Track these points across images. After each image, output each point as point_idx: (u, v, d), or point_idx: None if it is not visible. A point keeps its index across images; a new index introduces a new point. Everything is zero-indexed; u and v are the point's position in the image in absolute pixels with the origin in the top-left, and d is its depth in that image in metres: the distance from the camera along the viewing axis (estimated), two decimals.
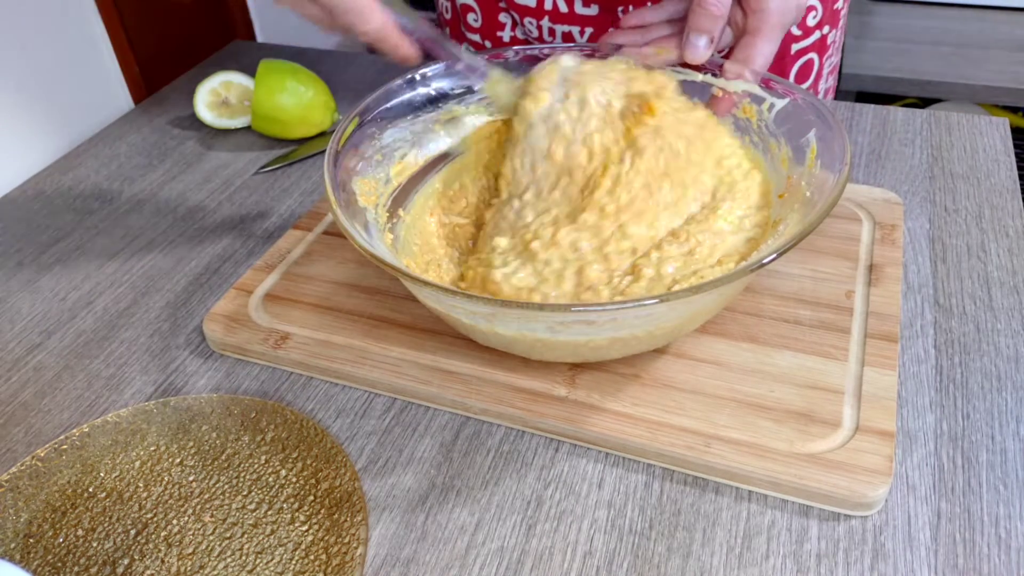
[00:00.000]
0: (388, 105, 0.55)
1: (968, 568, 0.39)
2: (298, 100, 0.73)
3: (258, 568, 0.40)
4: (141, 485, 0.45)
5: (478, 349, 0.49)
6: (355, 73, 0.87)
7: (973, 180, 0.64)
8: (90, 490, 0.45)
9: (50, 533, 0.43)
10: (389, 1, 0.50)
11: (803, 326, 0.50)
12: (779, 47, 0.74)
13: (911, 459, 0.44)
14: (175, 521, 0.43)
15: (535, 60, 0.58)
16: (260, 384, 0.51)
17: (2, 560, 0.33)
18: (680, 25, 0.56)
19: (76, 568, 0.41)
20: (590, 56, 0.55)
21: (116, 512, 0.44)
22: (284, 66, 0.74)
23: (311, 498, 0.43)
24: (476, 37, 0.79)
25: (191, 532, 0.42)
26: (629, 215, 0.46)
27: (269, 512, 0.43)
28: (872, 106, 0.74)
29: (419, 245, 0.54)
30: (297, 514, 0.43)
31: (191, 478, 0.45)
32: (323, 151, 0.74)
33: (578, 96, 0.49)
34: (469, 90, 0.57)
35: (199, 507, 0.43)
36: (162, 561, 0.41)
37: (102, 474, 0.45)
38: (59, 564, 0.41)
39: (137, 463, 0.46)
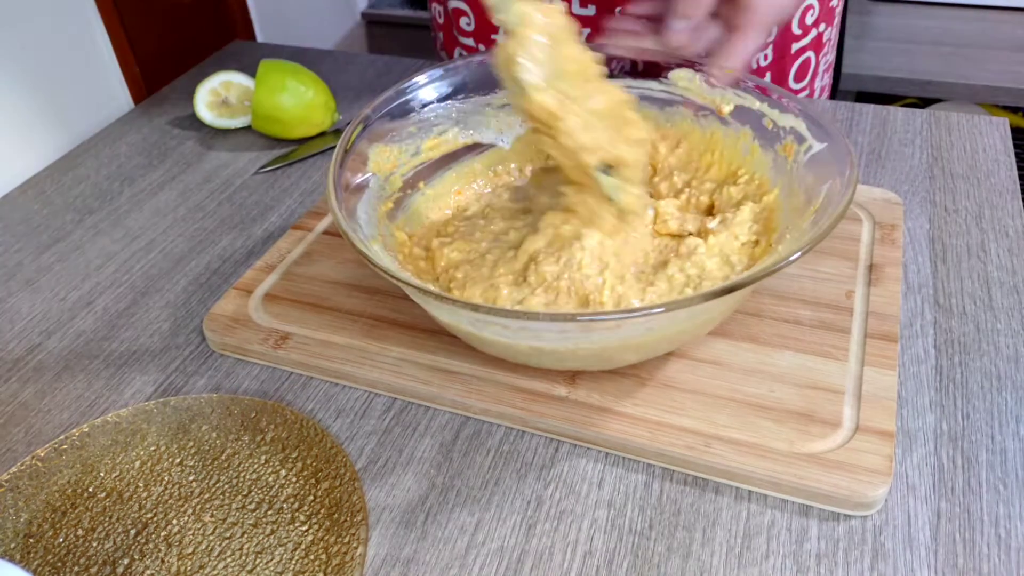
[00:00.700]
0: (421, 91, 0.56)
1: (968, 568, 0.39)
2: (298, 100, 0.73)
3: (258, 568, 0.40)
4: (141, 485, 0.45)
5: (478, 349, 0.50)
6: (355, 73, 0.87)
7: (973, 180, 0.64)
8: (90, 490, 0.45)
9: (50, 533, 0.43)
10: None
11: (803, 326, 0.50)
12: (779, 46, 0.74)
13: (911, 459, 0.44)
14: (175, 521, 0.43)
15: None
16: (260, 384, 0.51)
17: (2, 560, 0.33)
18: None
19: (76, 568, 0.41)
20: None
21: (116, 512, 0.44)
22: (284, 66, 0.74)
23: (311, 498, 0.43)
24: (469, 41, 0.79)
25: (191, 532, 0.42)
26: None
27: (269, 512, 0.43)
28: (872, 106, 0.74)
29: (432, 221, 0.55)
30: (297, 514, 0.43)
31: (191, 478, 0.45)
32: (323, 151, 0.74)
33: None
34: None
35: (199, 507, 0.43)
36: (162, 561, 0.41)
37: (102, 474, 0.45)
38: (59, 564, 0.41)
39: (137, 463, 0.46)
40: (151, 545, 0.42)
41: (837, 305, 0.51)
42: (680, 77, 0.54)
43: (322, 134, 0.76)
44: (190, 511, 0.43)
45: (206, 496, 0.44)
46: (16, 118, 0.74)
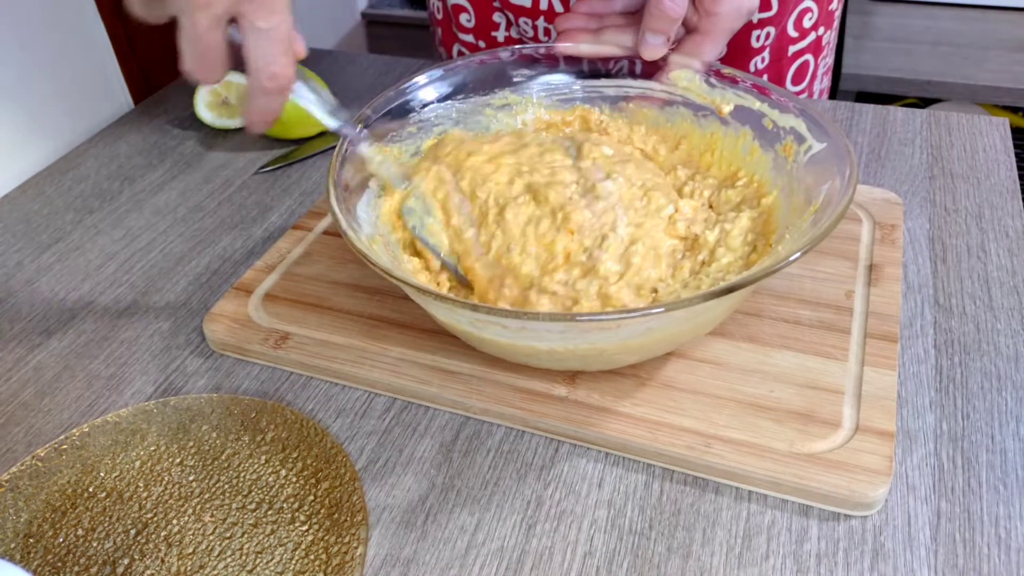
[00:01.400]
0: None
1: (968, 568, 0.39)
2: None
3: (258, 568, 0.40)
4: (141, 485, 0.45)
5: (478, 349, 0.50)
6: (355, 73, 0.87)
7: (973, 180, 0.64)
8: (90, 490, 0.45)
9: (50, 533, 0.43)
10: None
11: (803, 326, 0.50)
12: (776, 49, 0.74)
13: (911, 459, 0.44)
14: (175, 521, 0.43)
15: (531, 60, 0.58)
16: (260, 384, 0.51)
17: (2, 560, 0.33)
18: (632, 18, 0.56)
19: (76, 568, 0.41)
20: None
21: (116, 512, 0.44)
22: None
23: (311, 498, 0.43)
24: (469, 38, 0.79)
25: (191, 532, 0.42)
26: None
27: (269, 512, 0.43)
28: (872, 106, 0.74)
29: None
30: (297, 514, 0.43)
31: (191, 478, 0.45)
32: (323, 151, 0.74)
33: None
34: (529, 78, 0.58)
35: (199, 507, 0.44)
36: (162, 561, 0.41)
37: (102, 474, 0.45)
38: (59, 564, 0.41)
39: (137, 463, 0.46)
40: (151, 545, 0.42)
41: (837, 305, 0.51)
42: (680, 77, 0.55)
43: (322, 134, 0.76)
44: (190, 511, 0.43)
45: (206, 496, 0.44)
46: (16, 118, 0.74)
